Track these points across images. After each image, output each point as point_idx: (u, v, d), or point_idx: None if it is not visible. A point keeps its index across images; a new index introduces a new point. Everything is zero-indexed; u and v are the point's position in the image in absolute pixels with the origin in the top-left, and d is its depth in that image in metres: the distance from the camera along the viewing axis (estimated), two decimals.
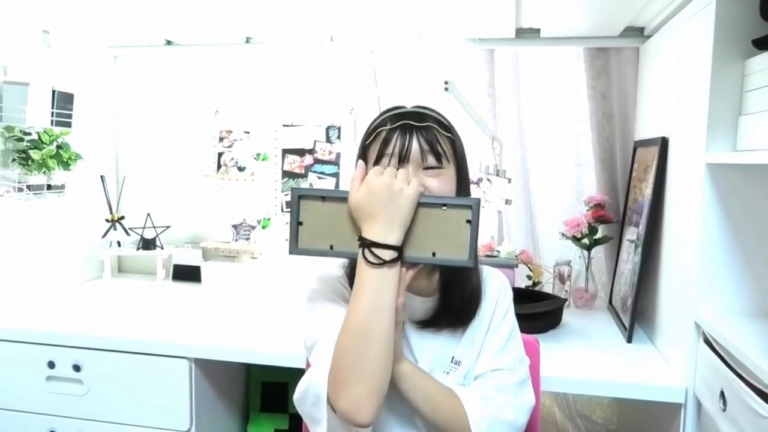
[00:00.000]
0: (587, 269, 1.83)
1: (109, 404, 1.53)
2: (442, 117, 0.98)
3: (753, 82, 1.09)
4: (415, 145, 0.90)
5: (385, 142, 0.91)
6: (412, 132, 0.91)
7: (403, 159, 0.90)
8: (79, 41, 2.02)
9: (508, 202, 1.85)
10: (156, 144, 2.24)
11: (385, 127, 0.92)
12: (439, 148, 0.91)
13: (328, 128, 2.07)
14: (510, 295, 1.05)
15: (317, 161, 2.09)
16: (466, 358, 0.98)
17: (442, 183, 0.91)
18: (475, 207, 0.84)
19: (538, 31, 1.78)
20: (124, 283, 2.12)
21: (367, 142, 0.95)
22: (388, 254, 0.82)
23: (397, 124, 0.92)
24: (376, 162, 0.91)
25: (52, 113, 1.78)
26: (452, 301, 0.97)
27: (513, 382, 0.96)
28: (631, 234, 1.64)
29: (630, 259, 1.62)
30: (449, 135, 0.95)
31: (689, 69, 1.30)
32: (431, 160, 0.91)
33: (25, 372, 1.56)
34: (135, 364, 1.50)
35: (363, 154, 0.95)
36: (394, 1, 1.54)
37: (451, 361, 0.97)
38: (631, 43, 1.77)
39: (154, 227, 2.12)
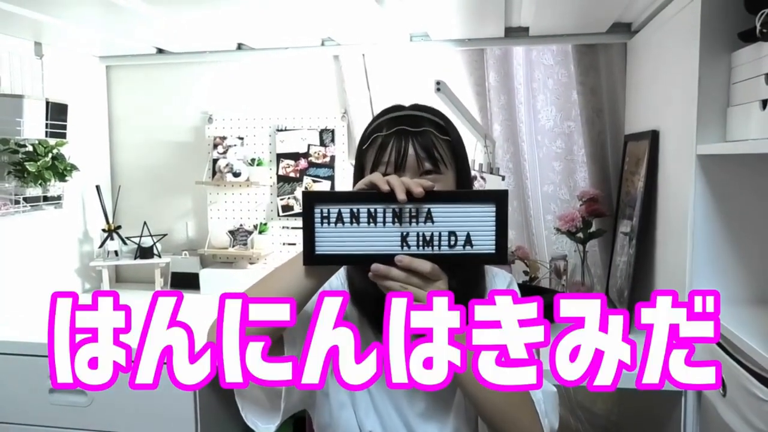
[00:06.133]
0: (583, 263, 1.85)
1: (113, 414, 1.53)
2: (440, 118, 0.95)
3: (740, 74, 1.12)
4: (411, 151, 0.88)
5: (381, 149, 0.89)
6: (407, 138, 0.88)
7: (399, 167, 0.88)
8: (70, 52, 2.02)
9: None
10: (150, 152, 2.24)
11: (380, 133, 0.90)
12: (436, 154, 0.89)
13: (321, 132, 2.08)
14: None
15: (312, 165, 2.10)
16: None
17: (440, 189, 0.86)
18: (501, 201, 0.81)
19: (526, 29, 1.80)
20: (123, 293, 2.11)
21: (363, 147, 0.93)
22: None
23: (393, 129, 0.89)
24: (373, 168, 0.89)
25: (47, 125, 1.78)
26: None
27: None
28: (625, 227, 1.67)
29: (625, 251, 1.64)
30: (447, 138, 0.92)
31: (677, 62, 1.32)
32: (428, 166, 0.88)
33: (28, 385, 1.56)
34: None
35: (359, 159, 0.94)
36: (385, 5, 1.56)
37: None
38: (618, 38, 1.80)
39: (151, 236, 2.12)
